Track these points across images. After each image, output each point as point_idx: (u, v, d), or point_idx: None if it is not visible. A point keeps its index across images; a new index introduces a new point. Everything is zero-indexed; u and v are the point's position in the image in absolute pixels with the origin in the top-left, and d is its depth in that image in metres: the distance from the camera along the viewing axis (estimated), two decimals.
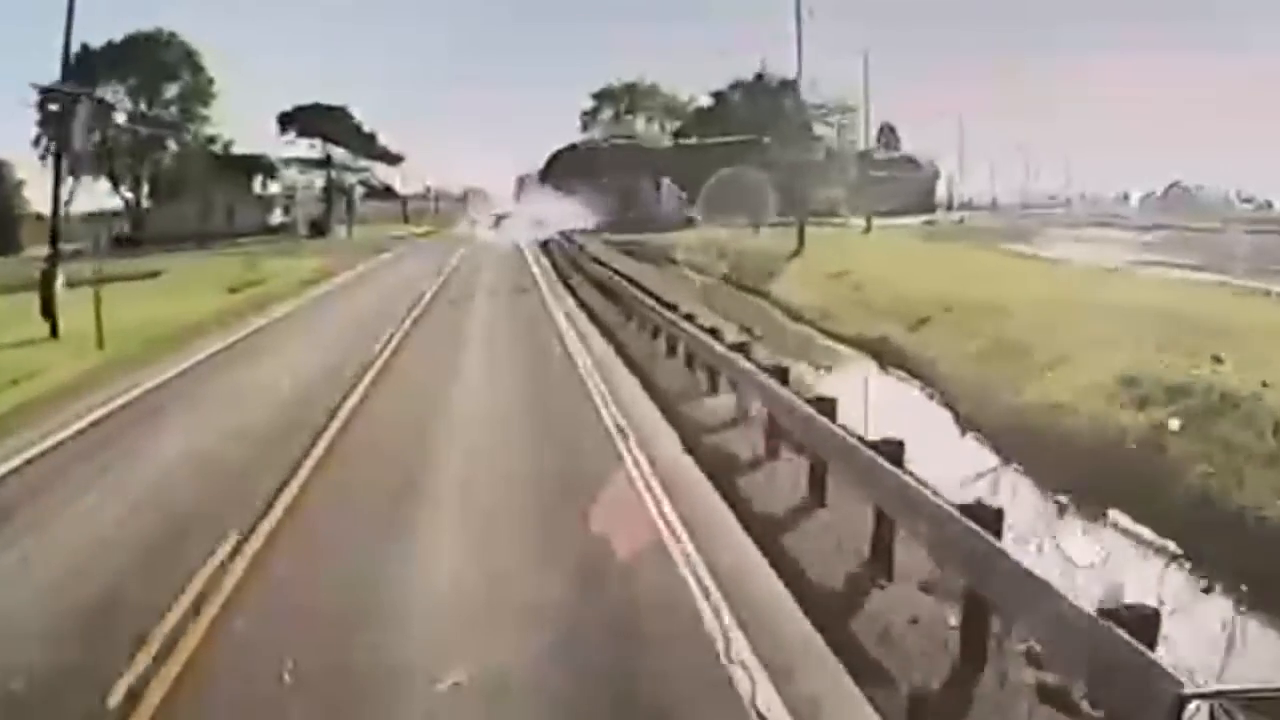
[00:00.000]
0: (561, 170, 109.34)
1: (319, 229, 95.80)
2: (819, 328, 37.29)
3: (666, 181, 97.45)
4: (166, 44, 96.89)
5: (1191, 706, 4.37)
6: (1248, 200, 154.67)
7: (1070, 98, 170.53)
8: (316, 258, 58.31)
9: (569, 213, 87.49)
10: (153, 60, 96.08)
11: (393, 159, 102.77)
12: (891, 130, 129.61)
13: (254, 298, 38.94)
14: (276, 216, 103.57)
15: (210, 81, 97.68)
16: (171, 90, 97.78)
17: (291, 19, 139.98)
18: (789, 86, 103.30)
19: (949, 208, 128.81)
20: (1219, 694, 4.50)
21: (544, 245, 67.59)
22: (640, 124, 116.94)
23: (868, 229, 76.85)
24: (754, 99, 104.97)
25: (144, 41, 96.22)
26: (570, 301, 35.63)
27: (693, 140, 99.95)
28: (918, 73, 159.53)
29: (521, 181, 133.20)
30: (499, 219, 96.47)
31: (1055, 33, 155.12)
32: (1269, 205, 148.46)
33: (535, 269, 50.54)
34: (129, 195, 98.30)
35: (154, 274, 55.57)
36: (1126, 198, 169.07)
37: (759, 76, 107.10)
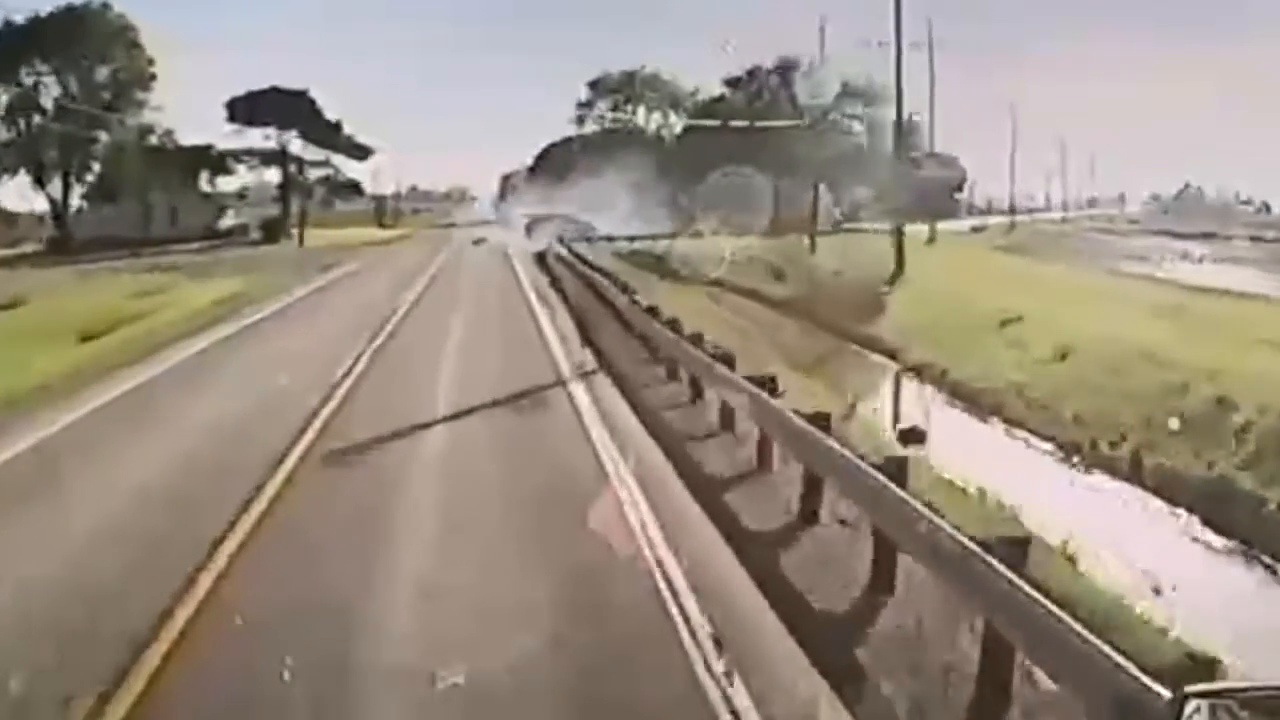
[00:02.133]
0: (555, 166, 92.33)
1: (272, 234, 78.17)
2: (1042, 436, 20.60)
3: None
4: (98, 18, 79.01)
5: (1191, 705, 3.85)
6: (1246, 203, 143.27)
7: (1066, 98, 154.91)
8: (236, 278, 41.18)
9: (619, 215, 69.65)
10: (83, 37, 78.18)
11: (362, 151, 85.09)
12: (914, 127, 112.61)
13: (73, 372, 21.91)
14: (230, 218, 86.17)
15: (150, 62, 79.85)
16: (104, 72, 79.99)
17: (267, 14, 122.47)
18: (812, 73, 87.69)
19: (968, 211, 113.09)
20: (1220, 692, 4.03)
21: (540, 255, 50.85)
22: (641, 116, 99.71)
23: (931, 239, 60.19)
24: (774, 87, 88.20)
25: (73, 15, 78.35)
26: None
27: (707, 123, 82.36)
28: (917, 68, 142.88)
29: (507, 180, 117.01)
30: (531, 224, 75.54)
31: (1052, 37, 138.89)
32: (1266, 208, 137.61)
33: (524, 277, 34.57)
34: (56, 195, 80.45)
35: (11, 305, 39.07)
36: (1123, 200, 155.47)
37: (778, 68, 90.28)
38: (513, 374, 17.61)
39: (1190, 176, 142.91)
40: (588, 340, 21.20)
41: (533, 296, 31.25)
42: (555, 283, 37.49)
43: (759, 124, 73.25)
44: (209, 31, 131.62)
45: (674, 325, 17.62)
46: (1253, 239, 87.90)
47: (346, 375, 17.73)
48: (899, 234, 40.87)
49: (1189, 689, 4.12)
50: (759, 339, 29.71)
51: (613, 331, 22.96)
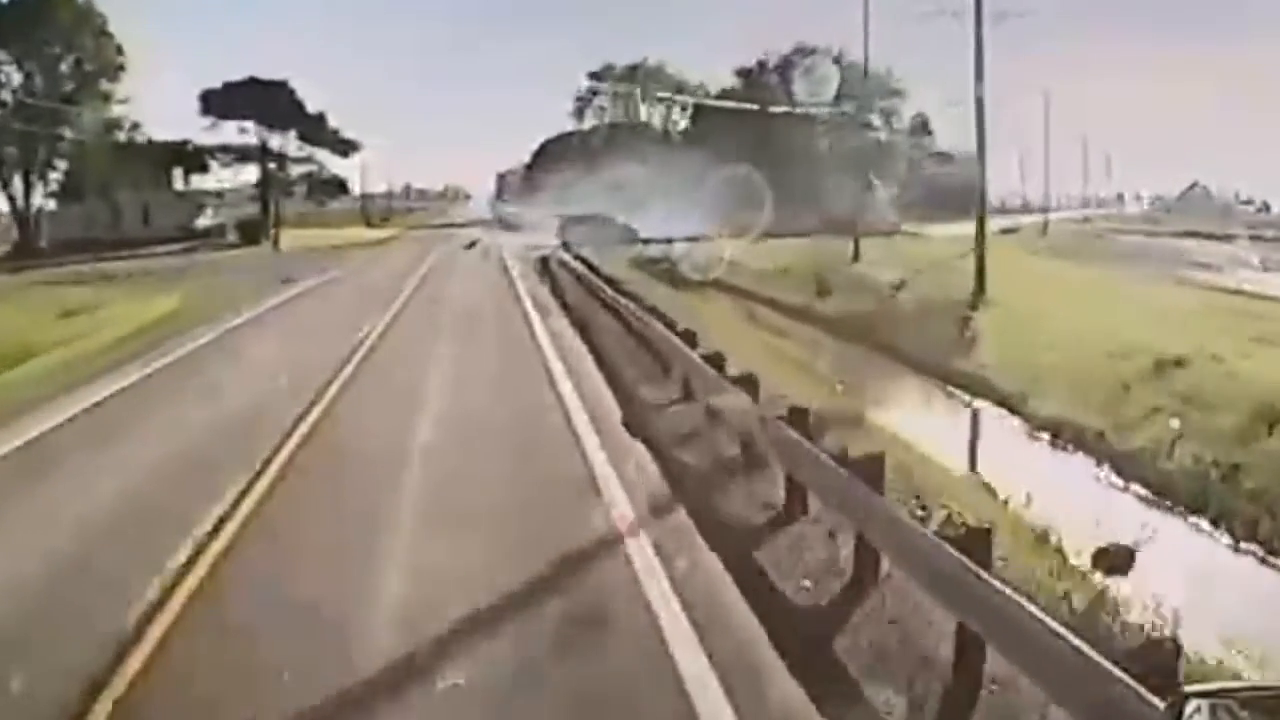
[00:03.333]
0: (553, 163, 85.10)
1: (250, 235, 70.63)
2: None
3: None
4: (63, 3, 71.30)
5: (1191, 705, 3.63)
6: (1247, 202, 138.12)
7: (1066, 97, 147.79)
8: (186, 291, 34.01)
9: (641, 215, 60.42)
10: (46, 23, 70.57)
11: (348, 146, 77.70)
12: (924, 123, 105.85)
13: None
14: (207, 218, 78.70)
15: (119, 51, 72.20)
16: (69, 62, 72.32)
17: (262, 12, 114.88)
18: (813, 68, 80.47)
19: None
20: (1220, 692, 3.74)
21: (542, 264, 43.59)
22: (644, 110, 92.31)
23: None
24: (773, 85, 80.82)
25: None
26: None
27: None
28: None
29: (503, 178, 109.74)
30: (565, 225, 62.86)
31: (1052, 36, 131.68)
32: (1266, 208, 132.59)
33: (525, 295, 26.93)
34: (19, 194, 72.87)
35: None
36: (1121, 198, 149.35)
37: (789, 59, 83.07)
38: (525, 509, 10.12)
39: (1193, 176, 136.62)
40: (634, 424, 13.77)
41: (540, 330, 22.81)
42: (560, 295, 30.27)
43: (795, 110, 65.81)
44: (204, 28, 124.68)
45: (802, 422, 10.21)
46: (1252, 238, 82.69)
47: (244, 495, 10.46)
48: (980, 237, 33.24)
49: (1189, 689, 3.79)
50: (827, 376, 22.62)
51: (672, 402, 15.57)
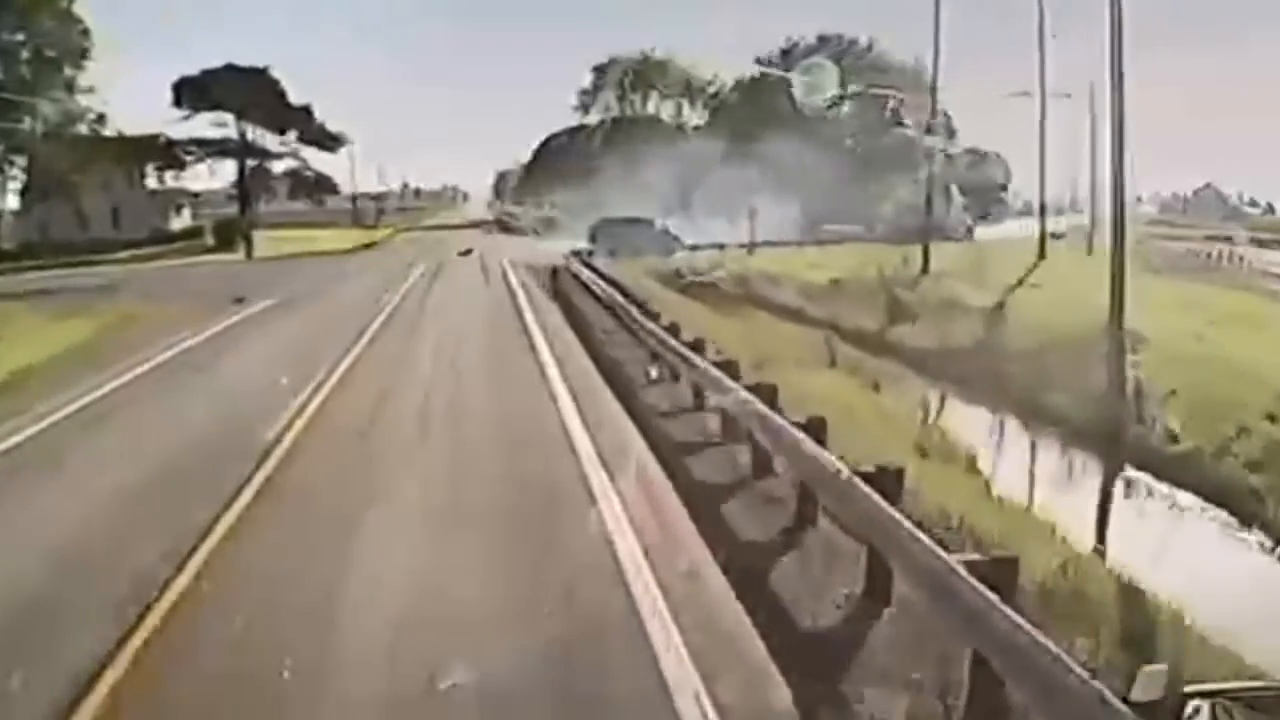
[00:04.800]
0: (557, 161, 78.05)
1: (225, 238, 63.29)
2: None
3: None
4: None
5: (1191, 705, 3.61)
6: (1254, 204, 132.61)
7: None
8: (114, 313, 26.95)
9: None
10: (3, 2, 63.40)
11: (335, 141, 70.51)
12: (946, 120, 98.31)
13: None
14: (185, 218, 71.62)
15: (84, 33, 64.86)
16: (28, 46, 65.06)
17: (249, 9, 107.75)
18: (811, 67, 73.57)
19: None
20: (1220, 692, 3.72)
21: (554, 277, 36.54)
22: (653, 104, 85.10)
23: (1042, 251, 45.85)
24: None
25: None
26: None
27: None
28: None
29: (502, 178, 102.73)
30: (598, 230, 50.24)
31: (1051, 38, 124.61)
32: (1271, 209, 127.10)
33: (540, 341, 19.67)
34: None
35: None
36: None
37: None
38: None
39: (1203, 177, 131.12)
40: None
41: (573, 419, 14.37)
42: (576, 320, 23.13)
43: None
44: (197, 24, 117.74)
45: None
46: (1251, 239, 77.10)
47: None
48: (1118, 250, 24.90)
49: (1189, 689, 3.71)
50: (967, 459, 15.67)
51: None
